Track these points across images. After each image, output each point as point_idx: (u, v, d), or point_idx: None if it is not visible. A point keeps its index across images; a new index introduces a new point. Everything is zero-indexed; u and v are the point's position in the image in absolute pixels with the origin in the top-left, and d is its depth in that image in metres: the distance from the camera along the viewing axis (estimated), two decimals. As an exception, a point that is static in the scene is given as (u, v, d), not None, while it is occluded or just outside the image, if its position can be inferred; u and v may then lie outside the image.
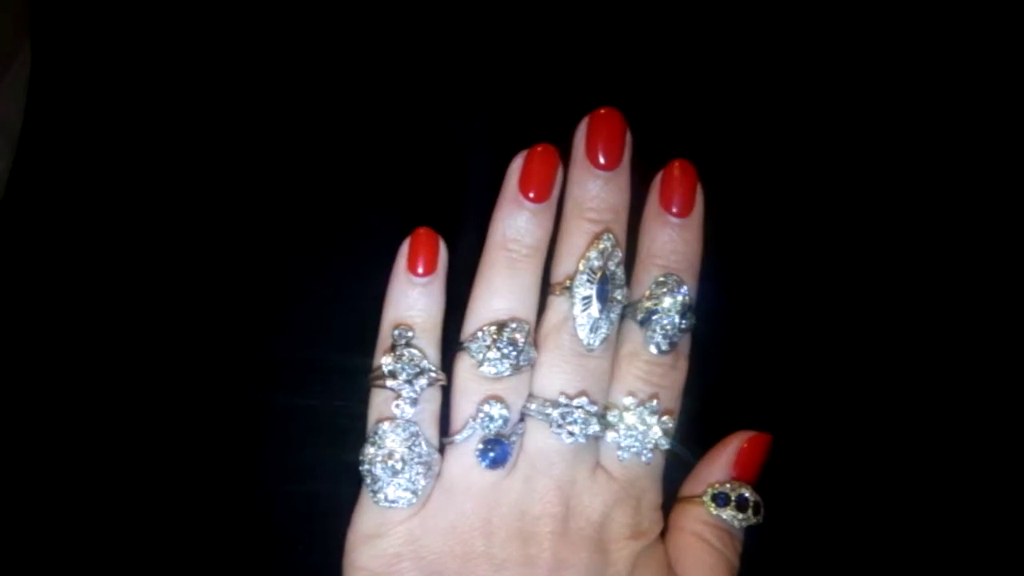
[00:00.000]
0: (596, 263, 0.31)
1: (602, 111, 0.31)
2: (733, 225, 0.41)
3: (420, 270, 0.31)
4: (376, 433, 0.30)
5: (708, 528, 0.31)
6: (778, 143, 0.43)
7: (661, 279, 0.31)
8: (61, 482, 0.39)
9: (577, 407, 0.30)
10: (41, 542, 0.38)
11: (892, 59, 0.44)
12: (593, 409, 0.31)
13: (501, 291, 0.31)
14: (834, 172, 0.43)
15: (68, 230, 0.41)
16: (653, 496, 0.32)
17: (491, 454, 0.30)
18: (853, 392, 0.41)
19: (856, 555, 0.40)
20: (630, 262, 0.32)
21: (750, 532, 0.34)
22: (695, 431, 0.34)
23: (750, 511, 0.31)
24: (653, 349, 0.31)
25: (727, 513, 0.31)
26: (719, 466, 0.32)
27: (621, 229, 0.32)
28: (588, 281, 0.31)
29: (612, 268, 0.31)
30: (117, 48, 0.42)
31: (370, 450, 0.30)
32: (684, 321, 0.31)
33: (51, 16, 0.43)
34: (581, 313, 0.31)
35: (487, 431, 0.30)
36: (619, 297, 0.31)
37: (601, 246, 0.31)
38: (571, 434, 0.30)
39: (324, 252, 0.40)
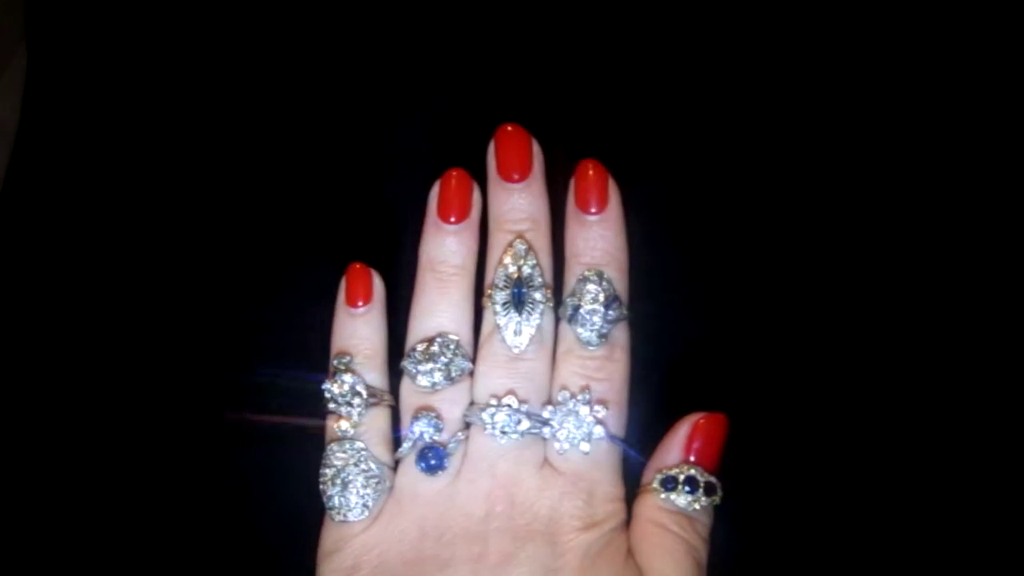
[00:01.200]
0: (511, 268, 0.32)
1: (508, 128, 0.33)
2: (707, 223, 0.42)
3: (358, 303, 0.33)
4: (325, 454, 0.32)
5: (664, 513, 0.31)
6: (734, 137, 0.43)
7: (583, 275, 0.32)
8: (53, 487, 0.41)
9: (505, 406, 0.31)
10: (34, 551, 0.41)
11: (865, 55, 0.44)
12: (524, 408, 0.32)
13: (430, 310, 0.33)
14: (803, 169, 0.43)
15: (64, 228, 0.43)
16: (607, 487, 0.32)
17: (429, 461, 0.32)
18: (826, 386, 0.40)
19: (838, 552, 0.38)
20: (562, 267, 0.34)
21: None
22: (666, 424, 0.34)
23: (701, 492, 0.31)
24: (583, 343, 0.32)
25: (676, 496, 0.31)
26: (671, 451, 0.32)
27: (541, 235, 0.33)
28: (504, 287, 0.32)
29: (527, 271, 0.32)
30: (112, 48, 0.45)
31: (322, 470, 0.32)
32: (610, 312, 0.32)
33: (47, 16, 0.45)
34: (503, 318, 0.32)
35: (422, 440, 0.32)
36: (538, 297, 0.32)
37: (513, 252, 0.32)
38: (503, 432, 0.31)
39: (320, 266, 0.41)
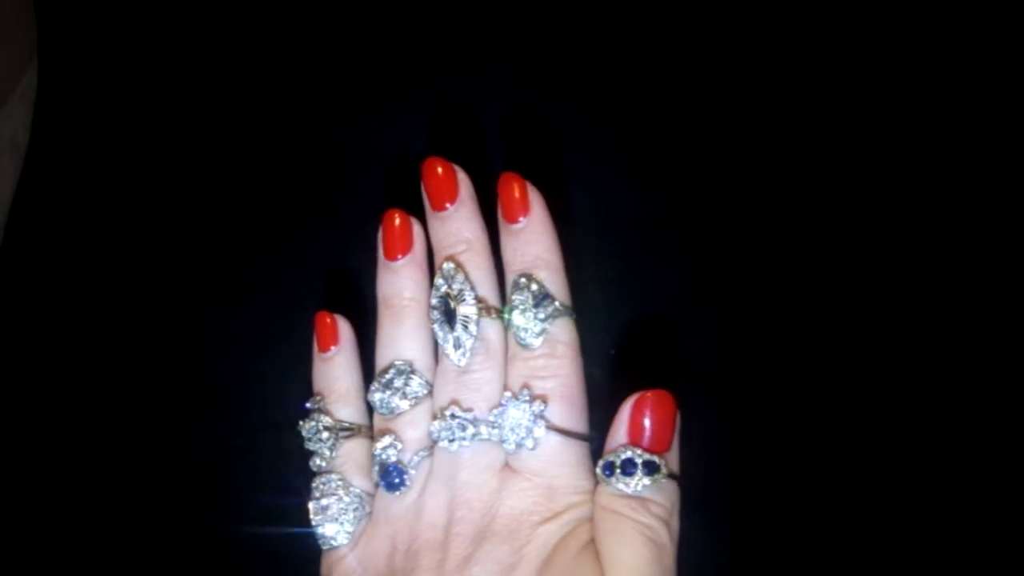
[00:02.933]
0: (442, 289, 0.34)
1: (431, 161, 0.35)
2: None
3: (329, 348, 0.37)
4: (311, 488, 0.35)
5: (614, 499, 0.31)
6: (731, 136, 0.43)
7: (513, 281, 0.34)
8: (46, 507, 0.44)
9: (449, 416, 0.33)
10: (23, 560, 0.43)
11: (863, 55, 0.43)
12: (469, 415, 0.33)
13: (389, 342, 0.35)
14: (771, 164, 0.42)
15: (73, 242, 0.45)
16: (568, 480, 0.32)
17: (392, 479, 0.33)
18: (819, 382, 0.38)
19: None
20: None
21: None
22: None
23: (640, 473, 0.30)
24: (525, 345, 0.33)
25: (616, 480, 0.30)
26: (616, 434, 0.31)
27: (477, 254, 0.35)
28: (437, 306, 0.34)
29: (457, 287, 0.34)
30: (121, 66, 0.47)
31: (308, 503, 0.35)
32: (540, 311, 0.33)
33: (57, 34, 0.47)
34: (440, 335, 0.34)
35: (381, 462, 0.34)
36: (470, 312, 0.34)
37: (442, 273, 0.34)
38: (451, 441, 0.33)
39: (329, 277, 0.45)
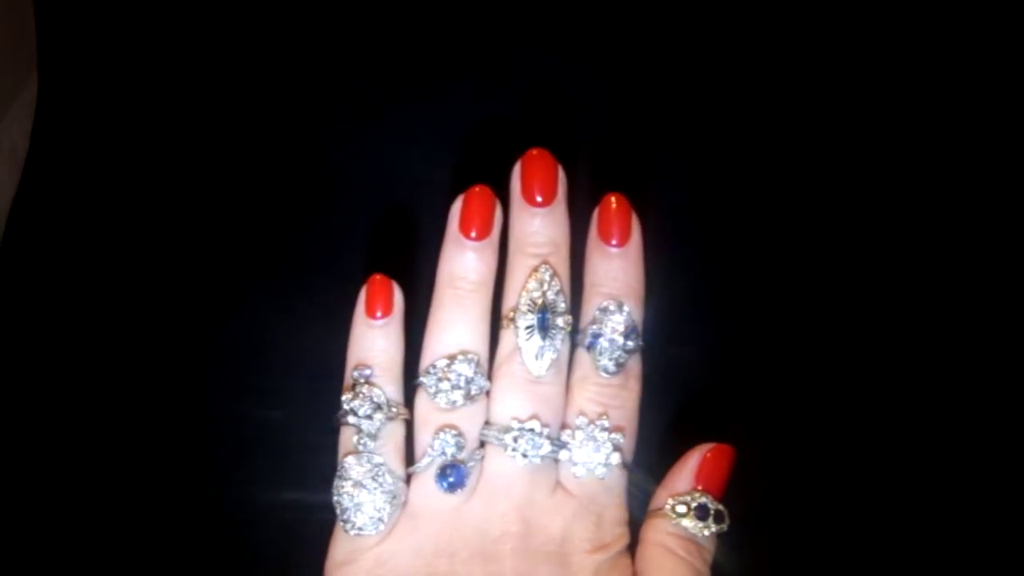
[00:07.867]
0: (536, 293, 0.33)
1: (534, 152, 0.33)
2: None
3: (377, 314, 0.33)
4: (342, 466, 0.32)
5: (672, 538, 0.32)
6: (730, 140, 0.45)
7: (603, 305, 0.33)
8: (57, 500, 0.42)
9: (528, 430, 0.32)
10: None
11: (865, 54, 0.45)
12: (544, 431, 0.32)
13: (450, 326, 0.33)
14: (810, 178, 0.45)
15: (71, 252, 0.44)
16: (615, 512, 0.33)
17: (449, 479, 0.32)
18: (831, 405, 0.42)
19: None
20: (577, 294, 0.34)
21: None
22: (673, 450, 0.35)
23: (711, 519, 0.32)
24: (601, 371, 0.33)
25: (687, 522, 0.32)
26: (681, 479, 0.33)
27: (562, 260, 0.34)
28: (529, 311, 0.33)
29: (552, 297, 0.33)
30: (121, 78, 0.45)
31: (338, 482, 0.32)
32: (628, 342, 0.33)
33: (58, 45, 0.46)
34: (526, 342, 0.33)
35: (443, 458, 0.32)
36: (561, 324, 0.33)
37: (539, 277, 0.33)
38: (524, 455, 0.32)
39: (325, 281, 0.43)
